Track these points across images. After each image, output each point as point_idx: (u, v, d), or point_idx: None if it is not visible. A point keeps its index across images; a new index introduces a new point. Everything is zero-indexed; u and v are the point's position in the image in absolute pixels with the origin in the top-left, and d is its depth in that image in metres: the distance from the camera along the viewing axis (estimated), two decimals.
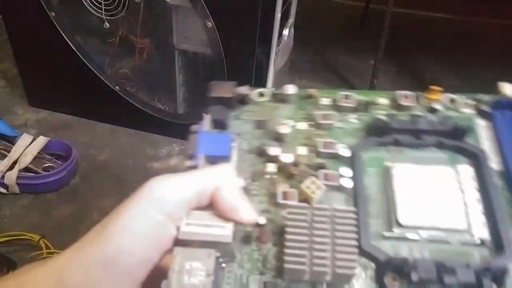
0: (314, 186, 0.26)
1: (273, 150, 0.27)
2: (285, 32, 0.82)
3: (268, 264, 0.24)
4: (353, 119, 0.30)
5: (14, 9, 0.84)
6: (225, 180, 0.23)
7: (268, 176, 0.27)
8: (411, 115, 0.29)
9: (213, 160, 0.26)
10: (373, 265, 0.24)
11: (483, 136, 0.28)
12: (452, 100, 0.29)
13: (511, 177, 0.25)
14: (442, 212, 0.25)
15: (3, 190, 0.77)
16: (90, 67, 0.85)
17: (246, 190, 0.26)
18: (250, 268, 0.24)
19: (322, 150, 0.27)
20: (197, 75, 0.85)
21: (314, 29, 1.26)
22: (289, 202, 0.25)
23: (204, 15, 0.70)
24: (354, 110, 0.30)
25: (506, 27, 1.26)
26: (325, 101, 0.30)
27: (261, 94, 0.30)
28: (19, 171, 0.78)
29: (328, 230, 0.23)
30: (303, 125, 0.29)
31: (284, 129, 0.28)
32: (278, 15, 0.72)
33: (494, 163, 0.26)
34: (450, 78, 1.14)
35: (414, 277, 0.22)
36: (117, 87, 0.86)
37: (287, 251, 0.22)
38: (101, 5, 0.77)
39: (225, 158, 0.26)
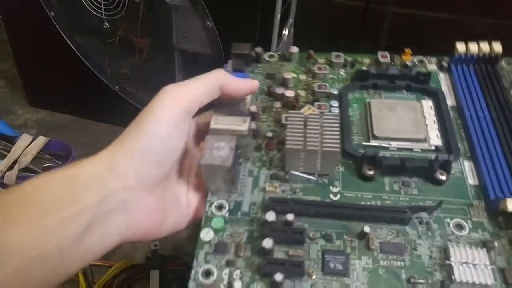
0: (310, 111, 0.35)
1: (279, 89, 0.37)
2: (285, 32, 0.81)
3: (274, 164, 0.32)
4: (342, 72, 0.39)
5: (14, 9, 0.84)
6: (226, 76, 0.31)
7: (274, 110, 0.36)
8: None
9: None
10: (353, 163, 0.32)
11: (443, 83, 0.37)
12: (421, 61, 0.39)
13: (461, 109, 0.34)
14: (408, 128, 0.33)
15: (3, 190, 0.77)
16: (90, 67, 0.85)
17: (257, 117, 0.35)
18: (260, 166, 0.32)
19: (317, 90, 0.37)
20: (197, 75, 0.84)
21: (314, 29, 1.25)
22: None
23: (204, 15, 0.70)
24: (343, 65, 0.39)
25: (506, 27, 1.26)
26: (320, 60, 0.40)
27: (271, 56, 0.41)
28: (19, 171, 0.78)
29: (318, 125, 0.30)
30: (303, 77, 0.39)
31: (288, 75, 0.38)
32: (278, 15, 0.72)
33: (449, 101, 0.35)
34: None
35: (384, 163, 0.30)
36: (117, 87, 0.86)
37: (287, 137, 0.30)
38: (101, 5, 0.77)
39: None
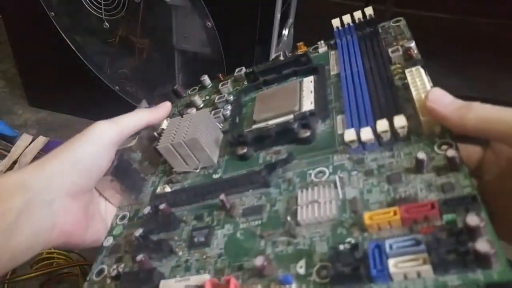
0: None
1: (187, 110, 0.41)
2: (285, 32, 0.81)
3: (173, 172, 0.36)
4: (246, 83, 0.42)
5: (14, 9, 0.84)
6: (148, 112, 0.38)
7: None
8: None
9: None
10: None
11: (332, 59, 0.39)
12: (315, 48, 0.43)
13: (340, 72, 0.36)
14: (282, 105, 0.35)
15: None
16: (90, 67, 0.85)
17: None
18: (162, 176, 0.37)
19: (217, 101, 0.41)
20: (197, 75, 0.84)
21: (314, 29, 1.25)
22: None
23: (203, 15, 0.70)
24: (245, 76, 0.42)
25: (506, 27, 1.26)
26: (228, 81, 0.44)
27: (192, 90, 0.47)
28: None
29: (187, 123, 0.34)
30: (213, 96, 0.43)
31: (194, 97, 0.43)
32: (278, 15, 0.72)
33: (335, 70, 0.38)
34: (450, 78, 1.14)
35: (248, 137, 0.33)
36: (117, 87, 0.86)
37: (160, 139, 0.34)
38: (101, 5, 0.77)
39: None
